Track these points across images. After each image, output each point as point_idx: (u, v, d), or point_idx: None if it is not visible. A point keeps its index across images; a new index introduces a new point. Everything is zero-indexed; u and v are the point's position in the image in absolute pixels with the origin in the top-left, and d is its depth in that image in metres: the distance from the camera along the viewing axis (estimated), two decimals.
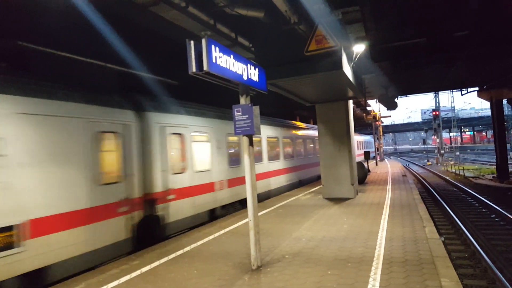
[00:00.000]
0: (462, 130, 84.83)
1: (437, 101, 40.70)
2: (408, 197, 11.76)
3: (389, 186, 15.10)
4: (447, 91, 42.08)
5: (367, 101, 23.26)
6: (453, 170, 27.68)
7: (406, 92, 22.90)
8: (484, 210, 12.83)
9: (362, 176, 16.01)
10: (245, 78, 5.47)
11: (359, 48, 8.75)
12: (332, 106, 12.46)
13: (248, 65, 5.62)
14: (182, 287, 4.80)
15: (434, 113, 39.79)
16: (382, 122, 48.31)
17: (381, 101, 19.52)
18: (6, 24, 7.68)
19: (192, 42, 4.50)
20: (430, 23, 10.19)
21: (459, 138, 79.93)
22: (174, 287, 4.81)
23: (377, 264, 5.23)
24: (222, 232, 7.98)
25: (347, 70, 8.75)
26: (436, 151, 45.68)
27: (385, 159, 47.25)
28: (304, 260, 5.65)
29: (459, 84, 21.99)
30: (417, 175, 26.97)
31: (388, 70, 13.33)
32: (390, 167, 28.79)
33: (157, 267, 5.74)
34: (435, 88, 24.62)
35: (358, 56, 9.06)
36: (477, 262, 7.56)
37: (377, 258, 5.50)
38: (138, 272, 5.51)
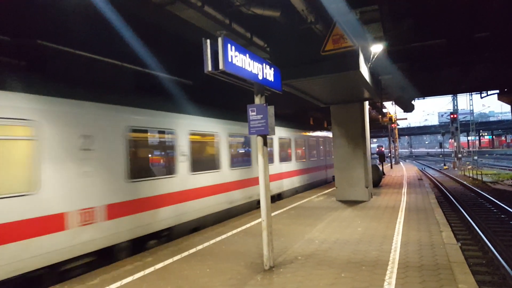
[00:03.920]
0: (480, 134, 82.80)
1: (455, 103, 39.78)
2: (424, 201, 11.52)
3: (404, 190, 14.83)
4: (465, 93, 41.10)
5: (383, 103, 22.87)
6: (471, 175, 27.01)
7: (424, 94, 22.42)
8: (503, 216, 12.46)
9: (377, 179, 15.77)
10: (260, 77, 5.44)
11: (377, 48, 8.61)
12: (347, 108, 12.31)
13: (264, 64, 5.59)
14: (195, 285, 4.81)
15: (452, 116, 38.92)
16: (398, 125, 47.52)
17: (398, 103, 19.24)
18: (25, 23, 7.85)
19: (208, 41, 4.49)
20: (450, 24, 9.96)
21: (477, 142, 78.07)
22: (187, 285, 4.83)
23: (392, 268, 5.13)
24: (234, 231, 7.97)
25: (364, 70, 8.63)
26: (453, 155, 44.70)
27: (400, 162, 46.50)
28: (317, 262, 5.58)
29: (479, 87, 21.42)
30: (434, 179, 26.44)
31: (405, 71, 13.10)
32: (405, 171, 28.31)
33: (170, 264, 5.77)
34: (454, 90, 24.05)
35: (375, 57, 8.92)
36: (495, 269, 7.35)
37: (392, 262, 5.39)
38: (151, 269, 5.55)
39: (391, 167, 33.17)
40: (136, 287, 4.86)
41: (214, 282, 4.90)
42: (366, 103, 12.92)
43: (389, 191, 14.38)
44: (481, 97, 23.35)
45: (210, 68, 4.51)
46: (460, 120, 45.28)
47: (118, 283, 4.99)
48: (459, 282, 4.53)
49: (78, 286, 4.97)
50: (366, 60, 8.98)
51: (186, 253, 6.36)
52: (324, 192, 14.71)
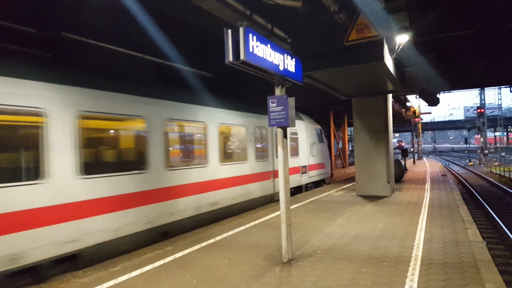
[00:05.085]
0: (508, 130, 79.49)
1: (483, 97, 38.34)
2: (449, 197, 11.18)
3: (427, 186, 14.45)
4: (493, 87, 39.47)
5: (407, 96, 22.24)
6: (498, 172, 26.04)
7: (450, 87, 21.66)
8: None
9: (399, 174, 15.43)
10: (281, 68, 5.36)
11: (402, 38, 8.32)
12: (370, 100, 12.01)
13: (285, 55, 5.50)
14: (214, 275, 4.84)
15: (478, 110, 37.56)
16: (422, 119, 46.23)
17: (422, 96, 18.68)
18: (51, 15, 8.02)
19: (229, 30, 4.46)
20: (478, 14, 9.50)
21: (505, 138, 75.09)
22: (206, 275, 4.87)
23: (415, 265, 4.99)
24: (252, 223, 7.98)
25: (389, 61, 8.38)
26: (479, 151, 43.22)
27: (424, 158, 45.38)
28: (337, 256, 5.51)
29: (508, 80, 20.51)
30: (458, 176, 25.66)
31: (431, 63, 12.67)
32: (428, 166, 27.59)
33: (190, 254, 5.84)
34: (482, 83, 23.17)
35: (400, 47, 8.63)
36: None
37: (415, 259, 5.26)
38: (171, 258, 5.63)
39: (414, 163, 32.40)
40: (157, 275, 4.93)
41: (232, 272, 4.92)
42: (390, 96, 12.59)
43: (411, 187, 14.05)
44: (511, 91, 22.38)
45: (231, 59, 4.47)
46: (487, 115, 43.65)
47: (139, 271, 5.09)
48: (485, 281, 4.36)
49: (101, 272, 5.10)
50: (391, 51, 8.71)
51: (205, 243, 6.42)
52: (343, 187, 14.52)
